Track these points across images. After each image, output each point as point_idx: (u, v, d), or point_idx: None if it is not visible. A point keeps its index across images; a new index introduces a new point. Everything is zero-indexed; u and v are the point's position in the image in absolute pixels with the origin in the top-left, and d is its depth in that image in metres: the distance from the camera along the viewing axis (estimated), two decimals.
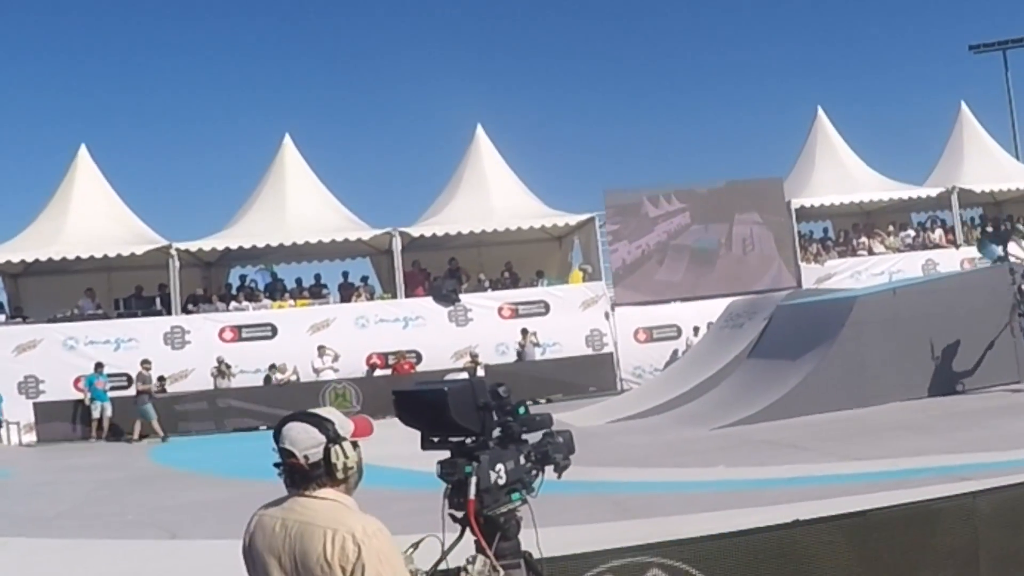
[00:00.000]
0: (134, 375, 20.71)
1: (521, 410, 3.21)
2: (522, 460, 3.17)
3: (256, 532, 2.75)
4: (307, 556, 2.59)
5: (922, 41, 74.93)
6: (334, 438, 2.67)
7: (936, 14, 74.01)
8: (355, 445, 2.74)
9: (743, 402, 14.32)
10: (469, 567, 2.93)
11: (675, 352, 23.37)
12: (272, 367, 22.08)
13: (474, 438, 3.13)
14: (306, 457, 2.65)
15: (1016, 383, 14.31)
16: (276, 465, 2.72)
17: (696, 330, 22.72)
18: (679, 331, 23.99)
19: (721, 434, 12.91)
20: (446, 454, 3.16)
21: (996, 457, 9.05)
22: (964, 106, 30.36)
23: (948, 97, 50.16)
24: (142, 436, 19.74)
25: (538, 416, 3.26)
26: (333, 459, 2.65)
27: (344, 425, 2.73)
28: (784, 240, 25.97)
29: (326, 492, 2.68)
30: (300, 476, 2.68)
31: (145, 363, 20.48)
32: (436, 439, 3.21)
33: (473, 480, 3.01)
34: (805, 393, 13.77)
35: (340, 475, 2.68)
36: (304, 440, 2.66)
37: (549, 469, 3.27)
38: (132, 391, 20.70)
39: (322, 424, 2.69)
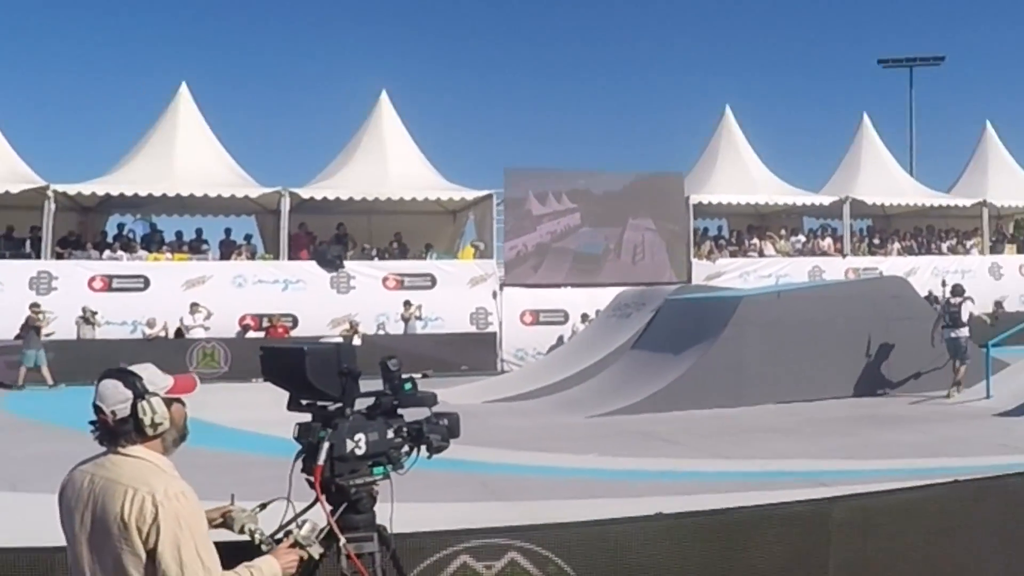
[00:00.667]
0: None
1: (407, 386, 3.14)
2: (390, 434, 3.07)
3: (67, 487, 2.67)
4: (106, 514, 2.51)
5: (833, 51, 77.35)
6: (141, 393, 2.57)
7: (849, 27, 76.53)
8: (172, 403, 2.63)
9: (622, 392, 14.41)
10: (295, 530, 2.86)
11: (560, 338, 23.39)
12: (196, 306, 21.47)
13: (337, 404, 3.04)
14: (113, 413, 2.58)
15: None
16: (91, 423, 2.62)
17: (584, 317, 22.75)
18: (567, 316, 23.94)
19: (597, 422, 12.96)
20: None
21: (855, 465, 9.34)
22: (866, 118, 31.24)
23: (853, 108, 51.87)
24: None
25: (420, 394, 3.18)
26: (140, 415, 2.57)
27: (156, 380, 2.63)
28: (676, 249, 26.05)
29: (137, 450, 2.59)
30: (108, 433, 2.59)
31: (35, 306, 19.53)
32: (303, 401, 3.13)
33: (325, 446, 2.91)
34: (684, 388, 13.95)
35: (149, 431, 2.59)
36: (112, 396, 2.59)
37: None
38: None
39: (128, 379, 2.59)
